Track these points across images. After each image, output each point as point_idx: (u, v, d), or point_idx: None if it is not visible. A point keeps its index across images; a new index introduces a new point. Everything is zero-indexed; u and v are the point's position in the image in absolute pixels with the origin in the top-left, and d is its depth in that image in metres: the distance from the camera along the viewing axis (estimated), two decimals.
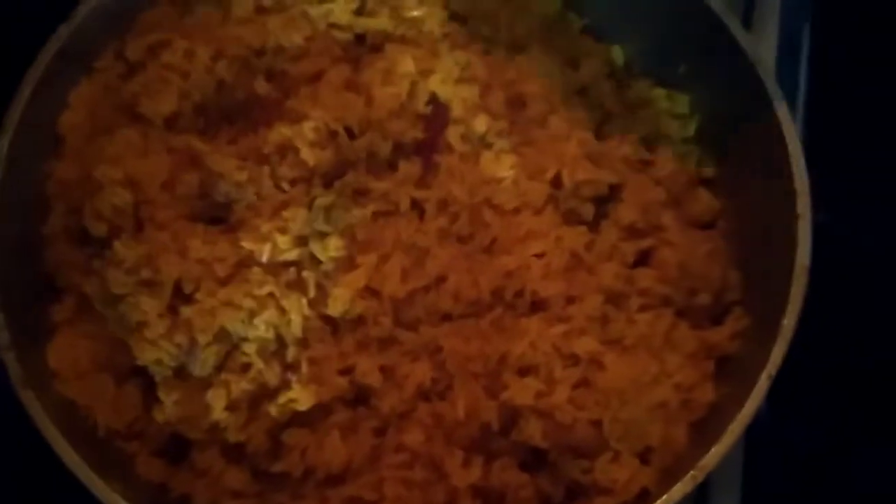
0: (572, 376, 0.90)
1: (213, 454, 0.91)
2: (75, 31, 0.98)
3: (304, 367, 0.89)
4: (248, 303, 0.89)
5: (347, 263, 0.90)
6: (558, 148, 0.95)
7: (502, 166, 0.93)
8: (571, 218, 0.95)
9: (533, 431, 0.89)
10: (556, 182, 0.95)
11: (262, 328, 0.89)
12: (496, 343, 0.90)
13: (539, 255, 0.92)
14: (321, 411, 0.90)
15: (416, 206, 0.93)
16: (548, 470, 0.91)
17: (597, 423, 0.90)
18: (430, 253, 0.91)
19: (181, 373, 0.91)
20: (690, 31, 1.01)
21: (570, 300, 0.92)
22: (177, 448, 0.92)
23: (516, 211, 0.93)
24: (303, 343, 0.90)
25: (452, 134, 0.94)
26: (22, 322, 0.92)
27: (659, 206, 0.96)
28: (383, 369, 0.90)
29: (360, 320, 0.90)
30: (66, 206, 0.97)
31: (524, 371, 0.90)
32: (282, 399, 0.89)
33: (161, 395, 0.91)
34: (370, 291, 0.90)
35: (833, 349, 1.07)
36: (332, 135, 0.93)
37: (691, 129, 1.02)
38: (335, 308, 0.90)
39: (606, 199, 0.97)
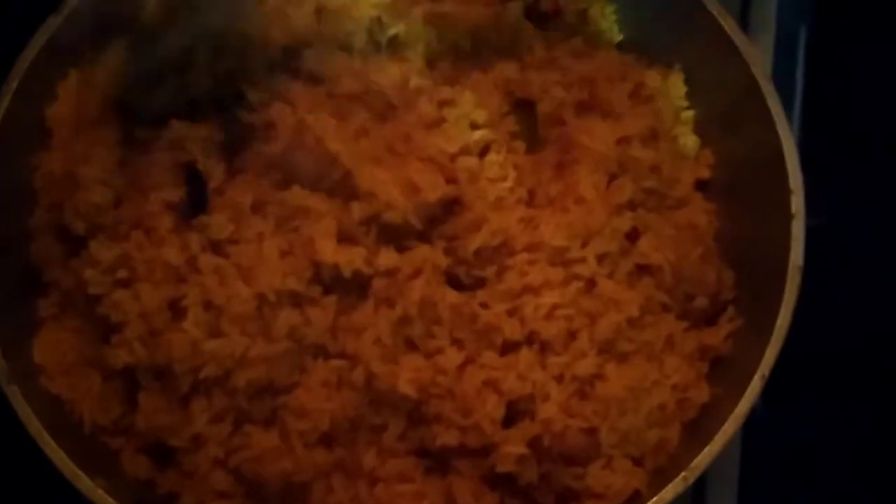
0: (568, 390, 0.89)
1: (200, 457, 0.89)
2: (65, 22, 0.97)
3: (290, 420, 0.88)
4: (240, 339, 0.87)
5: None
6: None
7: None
8: None
9: (530, 477, 0.89)
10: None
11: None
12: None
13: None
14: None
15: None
16: (539, 479, 0.90)
17: (590, 431, 0.89)
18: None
19: (162, 377, 0.90)
20: (686, 30, 1.00)
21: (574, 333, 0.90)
22: (163, 446, 0.90)
23: None
24: (287, 389, 0.89)
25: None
26: (7, 316, 0.92)
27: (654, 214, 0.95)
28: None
29: None
30: (51, 199, 0.95)
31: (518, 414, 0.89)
32: (265, 441, 0.88)
33: (141, 400, 0.90)
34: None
35: (829, 348, 1.07)
36: None
37: (689, 124, 1.01)
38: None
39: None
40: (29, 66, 0.95)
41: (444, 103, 0.93)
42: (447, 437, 0.88)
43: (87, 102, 0.97)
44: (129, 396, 0.91)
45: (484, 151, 0.93)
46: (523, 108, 0.97)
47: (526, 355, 0.88)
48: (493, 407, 0.87)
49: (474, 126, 0.93)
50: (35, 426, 0.86)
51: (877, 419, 1.08)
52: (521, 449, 0.88)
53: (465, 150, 0.92)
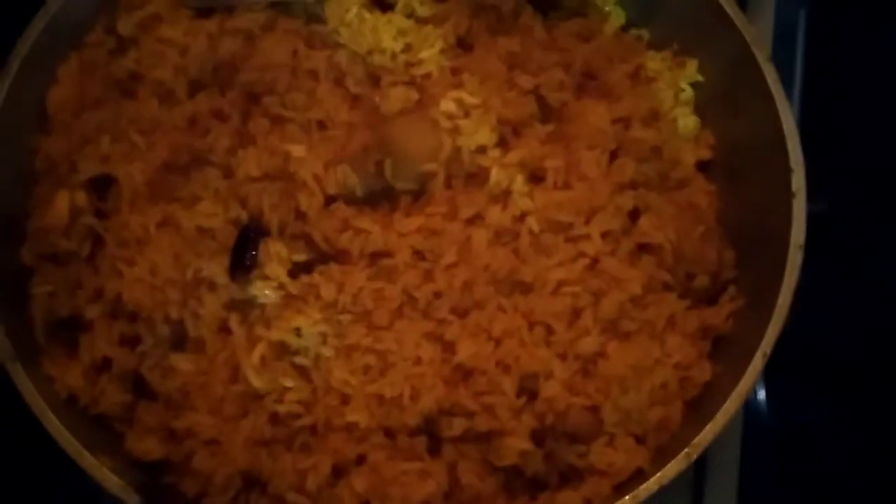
0: (571, 368, 0.90)
1: (201, 457, 0.90)
2: (64, 5, 0.97)
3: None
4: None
5: None
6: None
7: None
8: None
9: (535, 467, 0.89)
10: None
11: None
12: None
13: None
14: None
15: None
16: (542, 456, 0.90)
17: (592, 409, 0.89)
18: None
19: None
20: (686, 11, 1.00)
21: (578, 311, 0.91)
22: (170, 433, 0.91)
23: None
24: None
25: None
26: (10, 296, 0.92)
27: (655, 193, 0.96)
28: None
29: None
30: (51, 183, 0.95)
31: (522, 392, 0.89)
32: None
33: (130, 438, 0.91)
34: None
35: (829, 331, 1.07)
36: None
37: (690, 104, 1.01)
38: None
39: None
40: (29, 48, 0.95)
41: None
42: (455, 430, 0.89)
43: (88, 85, 0.98)
44: (135, 387, 0.92)
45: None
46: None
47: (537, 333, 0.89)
48: (509, 388, 0.88)
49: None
50: (38, 404, 0.86)
51: (877, 401, 1.08)
52: (524, 444, 0.88)
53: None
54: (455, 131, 0.93)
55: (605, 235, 0.92)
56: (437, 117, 0.93)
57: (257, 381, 0.88)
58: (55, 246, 0.92)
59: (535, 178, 0.93)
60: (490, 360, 0.89)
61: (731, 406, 0.87)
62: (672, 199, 0.96)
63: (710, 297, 0.95)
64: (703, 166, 1.00)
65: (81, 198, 0.93)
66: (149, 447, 0.90)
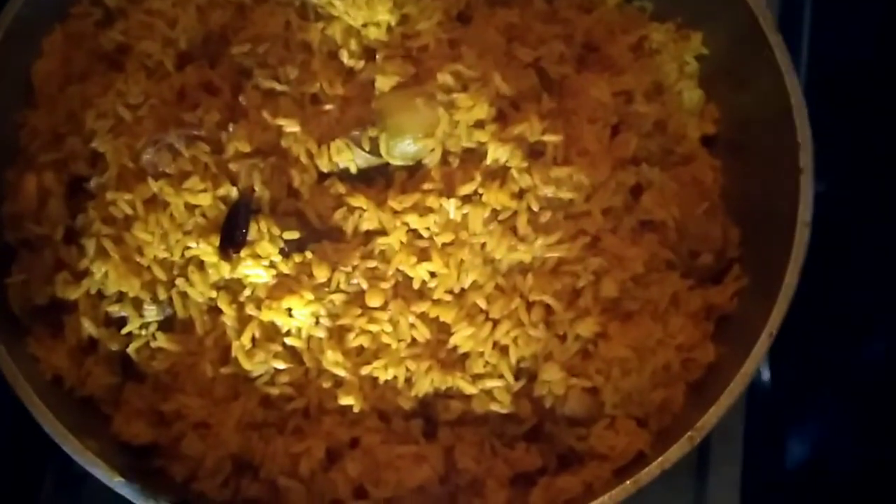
0: (571, 349, 0.88)
1: (190, 440, 0.88)
2: None
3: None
4: None
5: None
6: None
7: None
8: None
9: (533, 459, 0.88)
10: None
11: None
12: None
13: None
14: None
15: None
16: (541, 440, 0.89)
17: (592, 391, 0.87)
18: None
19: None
20: None
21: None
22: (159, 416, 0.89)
23: None
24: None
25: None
26: None
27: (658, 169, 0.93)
28: None
29: None
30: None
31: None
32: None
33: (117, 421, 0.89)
34: None
35: (834, 317, 1.05)
36: None
37: (694, 78, 0.99)
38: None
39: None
40: (12, 20, 0.93)
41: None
42: (451, 413, 0.87)
43: (74, 57, 0.96)
44: (124, 369, 0.90)
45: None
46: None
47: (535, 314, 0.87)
48: (506, 370, 0.87)
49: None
50: (23, 386, 0.84)
51: (883, 382, 1.06)
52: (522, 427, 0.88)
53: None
54: (452, 105, 0.90)
55: (606, 212, 0.90)
56: (434, 91, 0.91)
57: (248, 363, 0.87)
58: (27, 231, 0.91)
59: (535, 153, 0.91)
60: (487, 341, 0.87)
61: (735, 388, 0.85)
62: (676, 174, 0.94)
63: (714, 276, 0.93)
64: (707, 141, 0.98)
65: (49, 179, 0.91)
66: (137, 430, 0.88)
